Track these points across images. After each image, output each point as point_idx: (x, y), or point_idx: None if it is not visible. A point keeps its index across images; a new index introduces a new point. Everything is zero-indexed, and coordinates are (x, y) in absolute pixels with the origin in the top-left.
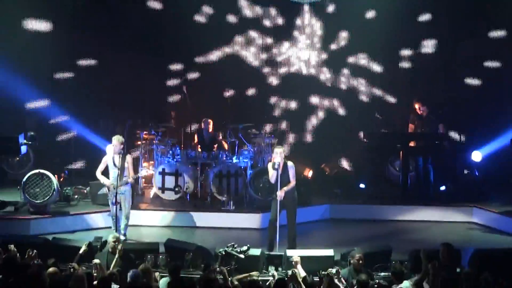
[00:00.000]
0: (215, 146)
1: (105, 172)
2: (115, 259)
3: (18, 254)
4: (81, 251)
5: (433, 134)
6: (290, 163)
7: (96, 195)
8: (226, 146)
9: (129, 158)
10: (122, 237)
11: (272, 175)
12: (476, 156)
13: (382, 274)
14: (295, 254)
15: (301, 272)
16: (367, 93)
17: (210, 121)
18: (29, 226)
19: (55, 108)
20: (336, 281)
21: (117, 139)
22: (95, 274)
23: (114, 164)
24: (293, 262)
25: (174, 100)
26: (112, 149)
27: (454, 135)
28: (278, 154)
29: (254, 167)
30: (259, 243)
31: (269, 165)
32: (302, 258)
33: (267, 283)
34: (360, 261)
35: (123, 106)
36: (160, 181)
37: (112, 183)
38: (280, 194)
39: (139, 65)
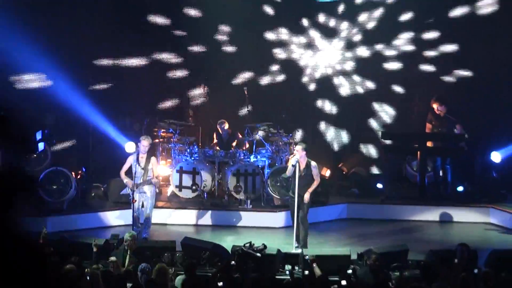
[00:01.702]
0: (233, 145)
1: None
2: (128, 257)
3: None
4: (94, 250)
5: (451, 134)
6: (313, 163)
7: (115, 194)
8: (244, 146)
9: (153, 159)
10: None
11: (289, 170)
12: (496, 157)
13: (397, 273)
14: (311, 253)
15: (317, 271)
16: (385, 93)
17: (225, 121)
18: (46, 224)
19: (73, 105)
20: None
21: (147, 140)
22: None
23: (139, 164)
24: (309, 261)
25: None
26: (134, 147)
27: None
28: (298, 151)
29: (271, 166)
30: (276, 242)
31: (290, 161)
32: (318, 257)
33: (284, 282)
34: (377, 262)
35: (141, 104)
36: (177, 179)
37: (135, 183)
38: (307, 197)
39: (157, 63)
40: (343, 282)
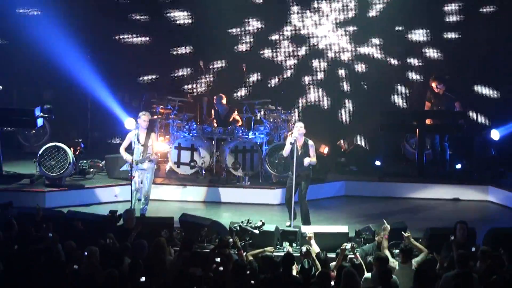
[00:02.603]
0: (231, 120)
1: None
2: (131, 235)
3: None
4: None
5: (450, 112)
6: (310, 142)
7: (114, 170)
8: (240, 121)
9: (153, 135)
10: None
11: (286, 149)
12: (495, 134)
13: (397, 251)
14: (309, 230)
15: (315, 248)
16: (385, 70)
17: (224, 96)
18: (44, 199)
19: (71, 81)
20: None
21: (146, 115)
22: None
23: (138, 141)
24: (307, 238)
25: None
26: (133, 124)
27: (471, 114)
28: (297, 129)
29: (270, 143)
30: (273, 219)
31: (287, 140)
32: (316, 234)
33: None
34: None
35: (139, 80)
36: (175, 155)
37: (135, 160)
38: (307, 161)
39: (156, 39)
40: (348, 246)
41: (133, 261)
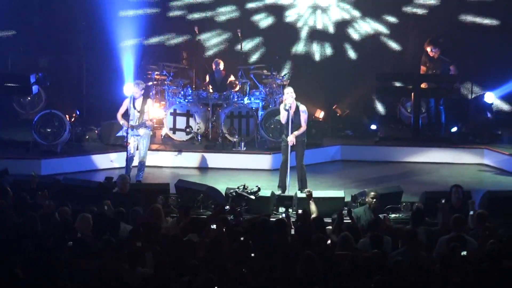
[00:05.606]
0: (228, 84)
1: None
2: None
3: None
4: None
5: (445, 75)
6: (302, 107)
7: (109, 136)
8: (237, 87)
9: (149, 101)
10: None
11: (283, 116)
12: (489, 97)
13: (393, 215)
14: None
15: (313, 208)
16: (379, 33)
17: (220, 61)
18: (40, 166)
19: (66, 47)
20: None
21: (135, 87)
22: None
23: (134, 107)
24: (306, 195)
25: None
26: (130, 89)
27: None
28: (289, 95)
29: (265, 108)
30: (269, 184)
31: (281, 106)
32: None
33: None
34: (375, 200)
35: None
36: (171, 121)
37: (132, 124)
38: (292, 139)
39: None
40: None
41: (133, 228)
